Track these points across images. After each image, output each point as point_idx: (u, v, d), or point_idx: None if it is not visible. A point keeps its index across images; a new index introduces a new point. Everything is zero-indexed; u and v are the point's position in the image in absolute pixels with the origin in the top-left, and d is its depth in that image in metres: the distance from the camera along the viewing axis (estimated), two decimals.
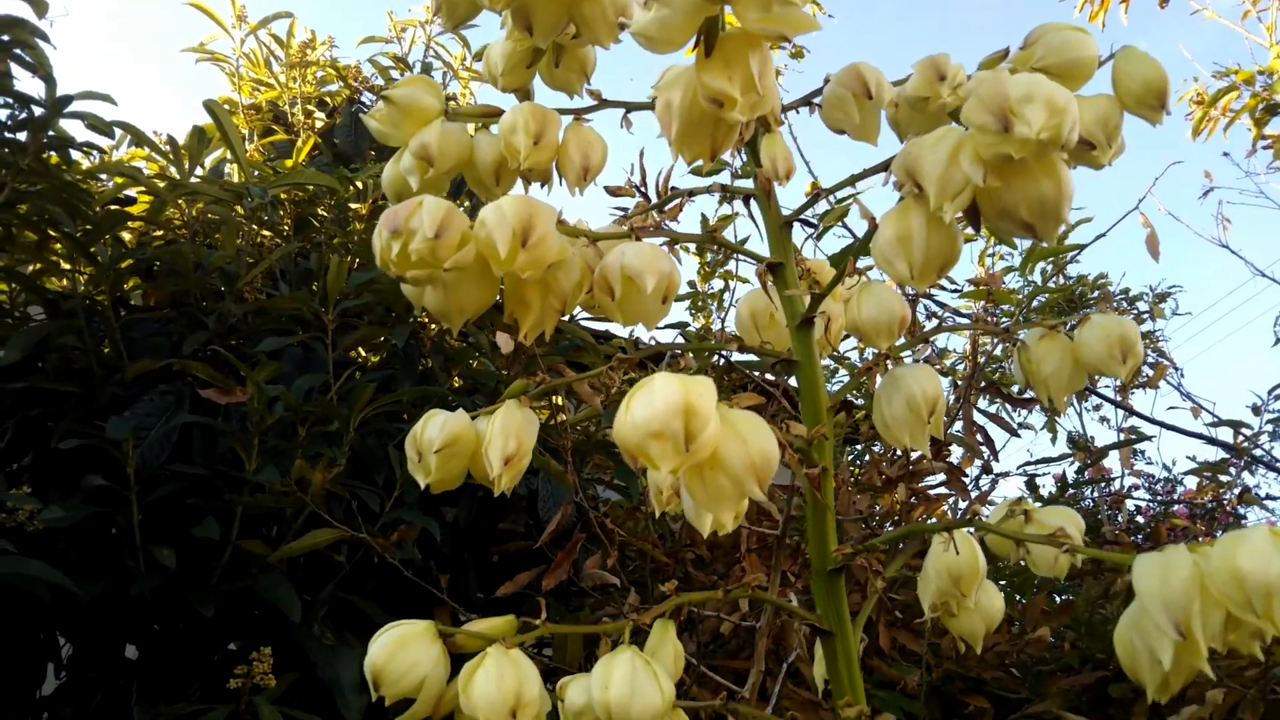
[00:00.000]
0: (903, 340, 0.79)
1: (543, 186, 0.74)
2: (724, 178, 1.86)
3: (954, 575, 0.76)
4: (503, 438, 0.70)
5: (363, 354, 2.51)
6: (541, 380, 0.73)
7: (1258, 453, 2.60)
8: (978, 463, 2.59)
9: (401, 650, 0.63)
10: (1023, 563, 2.32)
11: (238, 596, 1.96)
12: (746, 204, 0.76)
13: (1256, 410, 2.35)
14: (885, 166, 0.70)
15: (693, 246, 3.09)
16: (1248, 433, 2.34)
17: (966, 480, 2.54)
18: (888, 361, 0.74)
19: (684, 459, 0.50)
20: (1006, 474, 2.51)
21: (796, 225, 0.75)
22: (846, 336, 0.83)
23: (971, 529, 0.79)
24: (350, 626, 1.97)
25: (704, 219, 2.71)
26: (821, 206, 0.81)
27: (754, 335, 0.78)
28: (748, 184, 0.77)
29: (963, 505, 2.59)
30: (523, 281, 0.61)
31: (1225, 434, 2.54)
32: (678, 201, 0.78)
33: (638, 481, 2.31)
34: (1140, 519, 3.05)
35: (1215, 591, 0.55)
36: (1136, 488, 3.99)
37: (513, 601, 2.13)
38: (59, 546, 1.86)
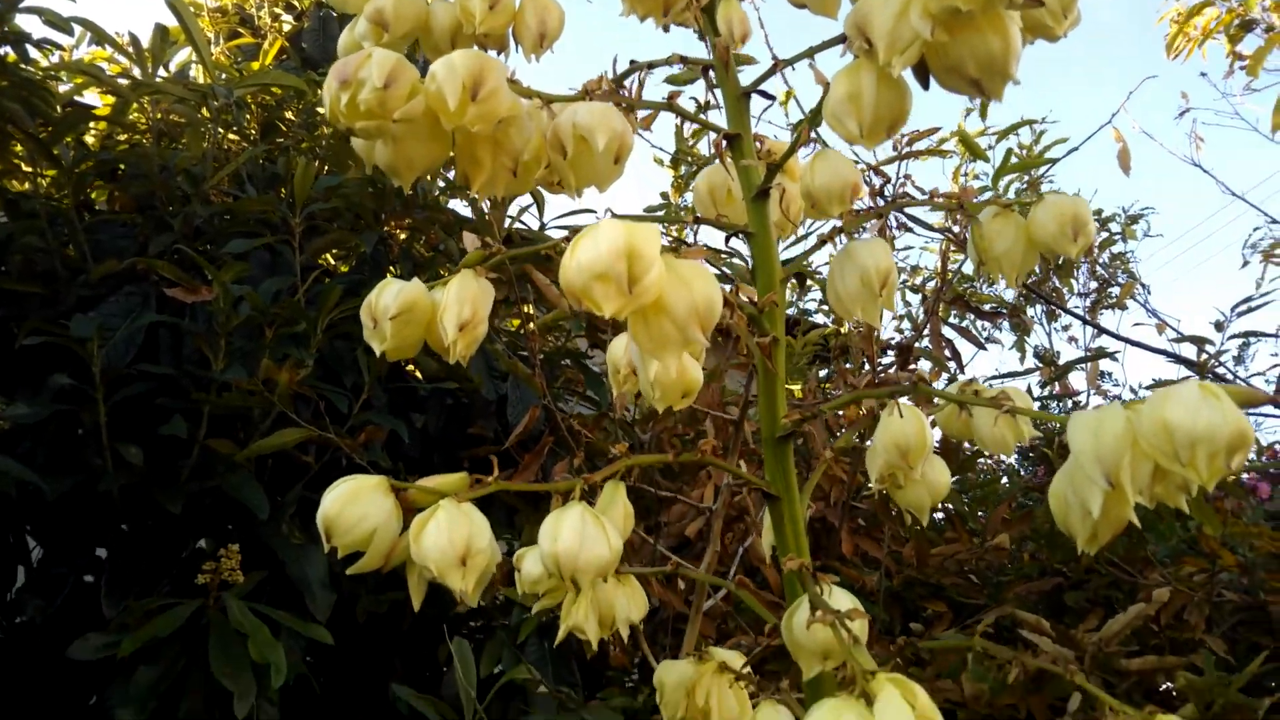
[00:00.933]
0: (867, 223, 0.80)
1: (499, 54, 0.73)
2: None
3: (901, 448, 0.77)
4: (458, 305, 0.71)
5: (332, 261, 2.50)
6: (497, 251, 0.73)
7: (1220, 371, 2.63)
8: (944, 376, 2.62)
9: (354, 502, 0.64)
10: (979, 452, 2.33)
11: (206, 496, 1.97)
12: (705, 75, 0.75)
13: (1219, 327, 2.38)
14: (843, 39, 0.70)
15: (666, 159, 3.07)
16: (1210, 349, 2.37)
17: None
18: (841, 235, 0.75)
19: (627, 301, 0.51)
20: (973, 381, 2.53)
21: (756, 98, 0.75)
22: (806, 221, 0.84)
23: (911, 399, 0.81)
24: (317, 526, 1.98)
25: (678, 130, 2.69)
26: (780, 83, 0.81)
27: (711, 210, 0.79)
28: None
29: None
30: (474, 138, 0.61)
31: (1190, 351, 2.57)
32: (638, 75, 0.78)
33: (606, 391, 2.33)
34: None
35: (1145, 444, 0.57)
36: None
37: (481, 504, 2.16)
38: (25, 446, 1.86)
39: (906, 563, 2.29)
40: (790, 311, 4.52)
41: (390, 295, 0.72)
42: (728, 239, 0.72)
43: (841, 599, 0.65)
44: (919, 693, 0.52)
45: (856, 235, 0.77)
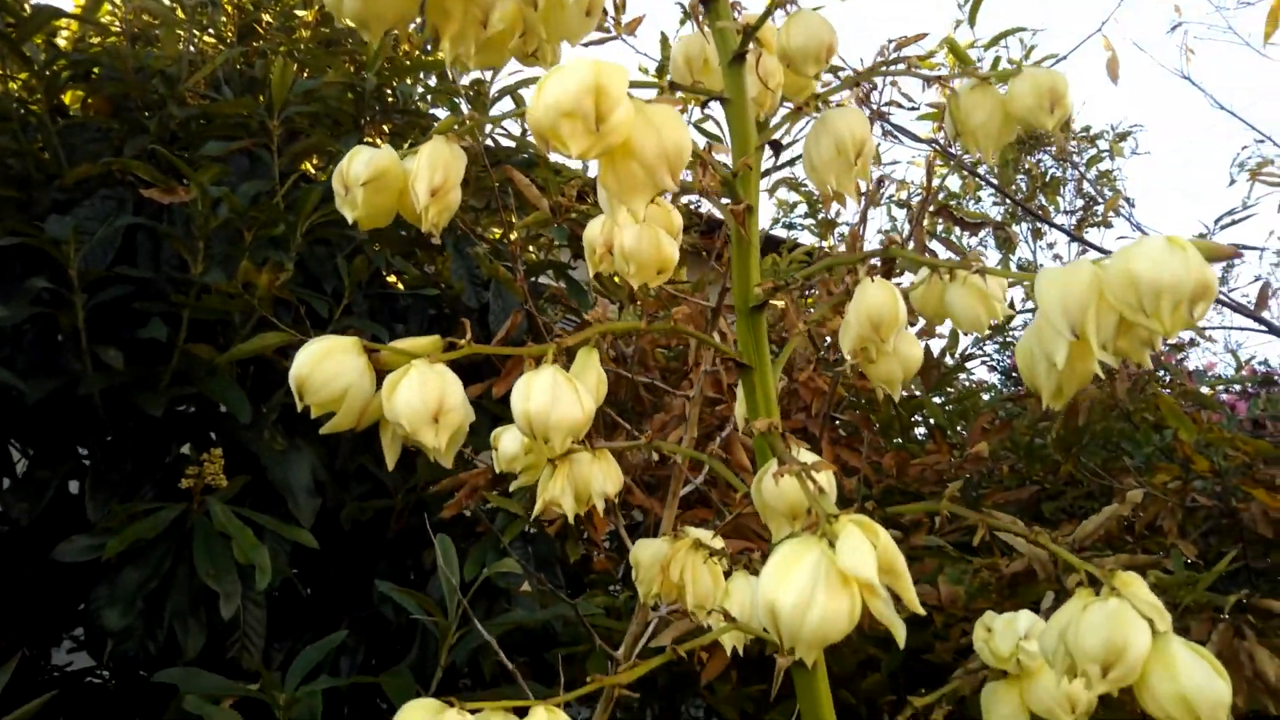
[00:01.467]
0: (845, 94, 0.79)
1: None
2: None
3: (874, 321, 0.77)
4: (429, 170, 0.70)
5: (312, 169, 2.47)
6: (470, 118, 0.72)
7: None
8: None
9: (326, 360, 0.64)
10: (965, 384, 2.35)
11: (188, 402, 1.97)
12: None
13: (1202, 239, 2.37)
14: None
15: (651, 69, 3.03)
16: None
17: None
18: (819, 103, 0.74)
19: (594, 140, 0.50)
20: None
21: None
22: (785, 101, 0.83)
23: (882, 266, 0.80)
24: (301, 432, 1.99)
25: (663, 40, 2.65)
26: None
27: (688, 79, 0.78)
28: None
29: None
30: None
31: None
32: None
33: (589, 300, 2.33)
34: None
35: (1110, 296, 0.57)
36: None
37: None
38: (4, 351, 1.85)
39: (886, 472, 2.32)
40: (779, 233, 4.51)
41: (362, 162, 0.72)
42: (704, 105, 0.71)
43: (809, 459, 0.66)
44: (881, 533, 0.53)
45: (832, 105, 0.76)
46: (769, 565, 0.52)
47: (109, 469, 1.83)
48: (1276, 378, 3.34)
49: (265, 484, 1.94)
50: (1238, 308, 2.47)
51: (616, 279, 2.27)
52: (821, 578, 0.51)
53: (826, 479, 0.62)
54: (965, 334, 2.42)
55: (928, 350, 2.60)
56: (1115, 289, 0.57)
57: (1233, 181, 3.27)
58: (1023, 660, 0.80)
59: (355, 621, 2.00)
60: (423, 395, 0.62)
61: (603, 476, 0.84)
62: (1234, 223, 2.40)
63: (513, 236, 2.21)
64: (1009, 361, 4.12)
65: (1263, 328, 2.49)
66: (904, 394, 2.60)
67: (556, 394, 0.64)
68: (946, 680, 2.12)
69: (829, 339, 2.52)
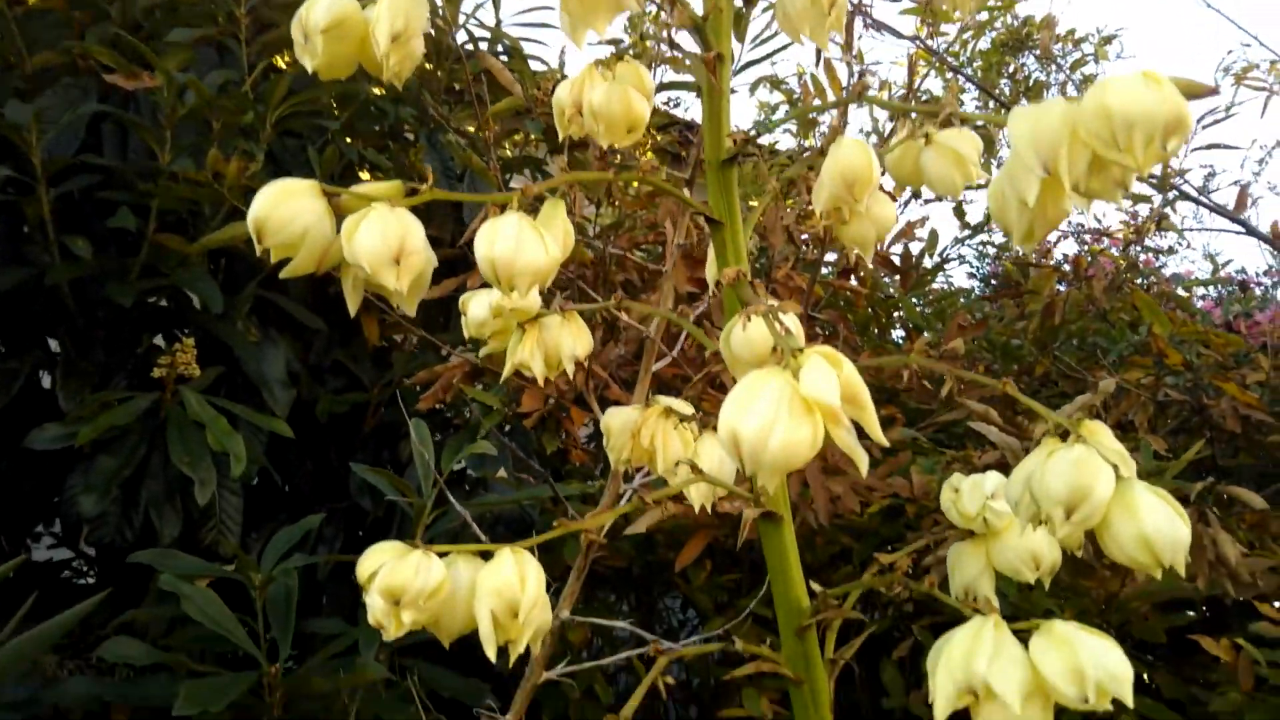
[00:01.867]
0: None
1: None
2: None
3: (848, 179, 0.76)
4: (390, 15, 0.68)
5: (284, 64, 2.41)
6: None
7: (1184, 187, 2.63)
8: (908, 189, 2.61)
9: (285, 202, 0.62)
10: (937, 285, 2.33)
11: (159, 294, 1.95)
12: None
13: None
14: None
15: None
16: (1174, 160, 2.36)
17: (896, 205, 2.56)
18: None
19: None
20: (936, 198, 2.53)
21: None
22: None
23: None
24: (275, 325, 1.98)
25: None
26: None
27: None
28: None
29: (892, 230, 2.62)
30: None
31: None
32: None
33: (567, 197, 2.30)
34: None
35: (1083, 131, 0.56)
36: (1065, 235, 4.06)
37: (440, 305, 2.16)
38: None
39: (862, 370, 2.32)
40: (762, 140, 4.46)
41: (321, 8, 0.69)
42: None
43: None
44: (845, 363, 0.53)
45: None
46: (731, 395, 0.52)
47: (80, 359, 1.82)
48: (1251, 283, 3.36)
49: (240, 377, 1.94)
50: (1217, 209, 2.47)
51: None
52: (784, 404, 0.51)
53: (793, 322, 0.61)
54: (940, 198, 2.41)
55: (906, 251, 2.59)
56: (1088, 123, 0.56)
57: (1218, 87, 3.22)
58: (989, 519, 0.81)
59: (333, 513, 2.01)
60: (384, 236, 0.61)
61: (572, 340, 0.83)
62: (1215, 122, 2.38)
63: (486, 133, 2.18)
64: (988, 269, 4.13)
65: (1240, 229, 2.49)
66: (881, 295, 2.60)
67: (521, 239, 0.63)
68: (918, 571, 2.15)
69: (806, 237, 2.51)
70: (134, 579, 1.80)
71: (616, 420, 0.91)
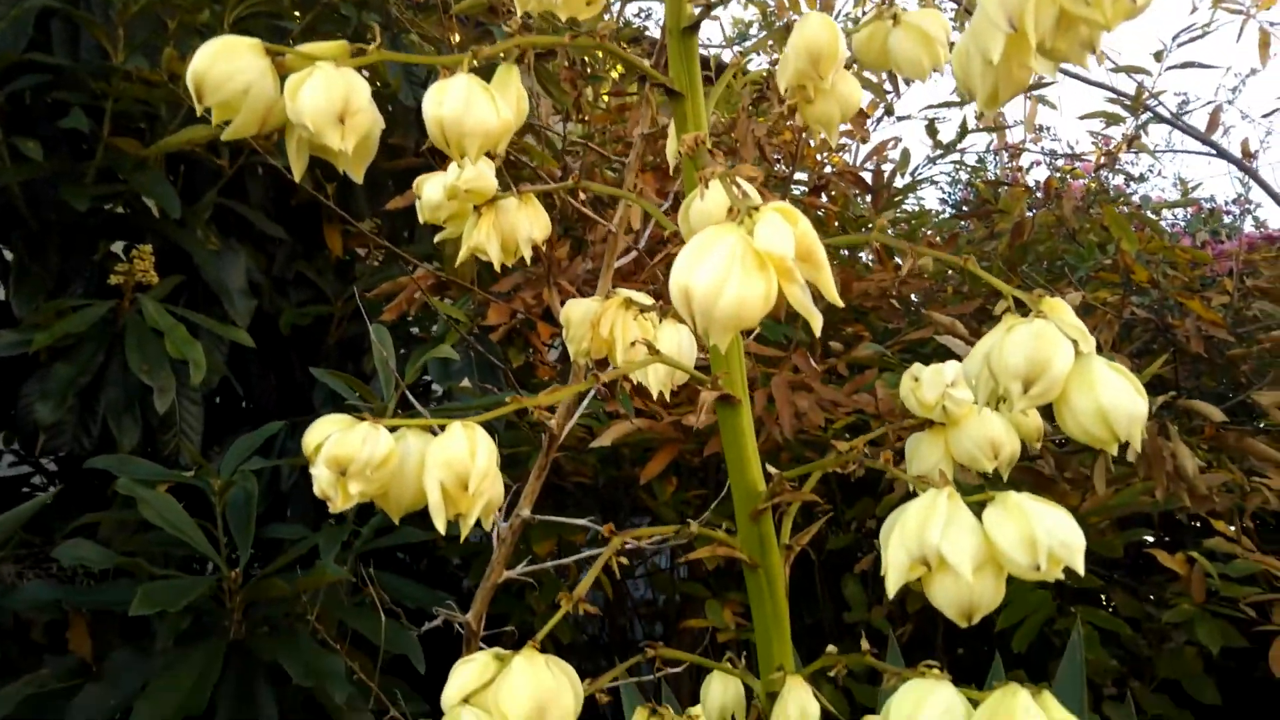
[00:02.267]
0: None
1: None
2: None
3: (813, 56, 0.74)
4: None
5: None
6: None
7: (1159, 109, 2.62)
8: (881, 107, 2.58)
9: (226, 58, 0.60)
10: (909, 214, 2.31)
11: (117, 201, 1.91)
12: None
13: (1158, 57, 2.34)
14: None
15: None
16: (1148, 81, 2.35)
17: (868, 123, 2.53)
18: None
19: None
20: (908, 116, 2.50)
21: None
22: None
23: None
24: (235, 234, 1.94)
25: None
26: None
27: None
28: None
29: (864, 149, 2.60)
30: None
31: (1129, 87, 2.54)
32: None
33: (533, 100, 2.25)
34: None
35: None
36: (1037, 163, 4.05)
37: (404, 217, 2.12)
38: None
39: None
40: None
41: None
42: None
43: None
44: (802, 220, 0.51)
45: None
46: (683, 251, 0.50)
47: (34, 265, 1.78)
48: (1220, 211, 3.37)
49: (199, 286, 1.90)
50: (1188, 130, 2.46)
51: (561, 89, 2.19)
52: (737, 259, 0.49)
53: (751, 189, 0.60)
54: (908, 80, 2.37)
55: (878, 170, 2.57)
56: None
57: (1194, 8, 3.20)
58: (948, 408, 0.81)
59: (296, 426, 1.99)
60: (328, 94, 0.59)
61: (529, 223, 0.81)
62: (1191, 40, 2.36)
63: (454, 38, 2.13)
64: (960, 194, 4.12)
65: (1211, 151, 2.49)
66: (852, 214, 2.58)
67: (471, 99, 0.61)
68: (882, 489, 2.17)
69: (779, 156, 2.48)
70: (94, 490, 1.79)
71: (576, 311, 0.89)
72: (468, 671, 0.67)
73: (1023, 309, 0.64)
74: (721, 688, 0.81)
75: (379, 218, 2.09)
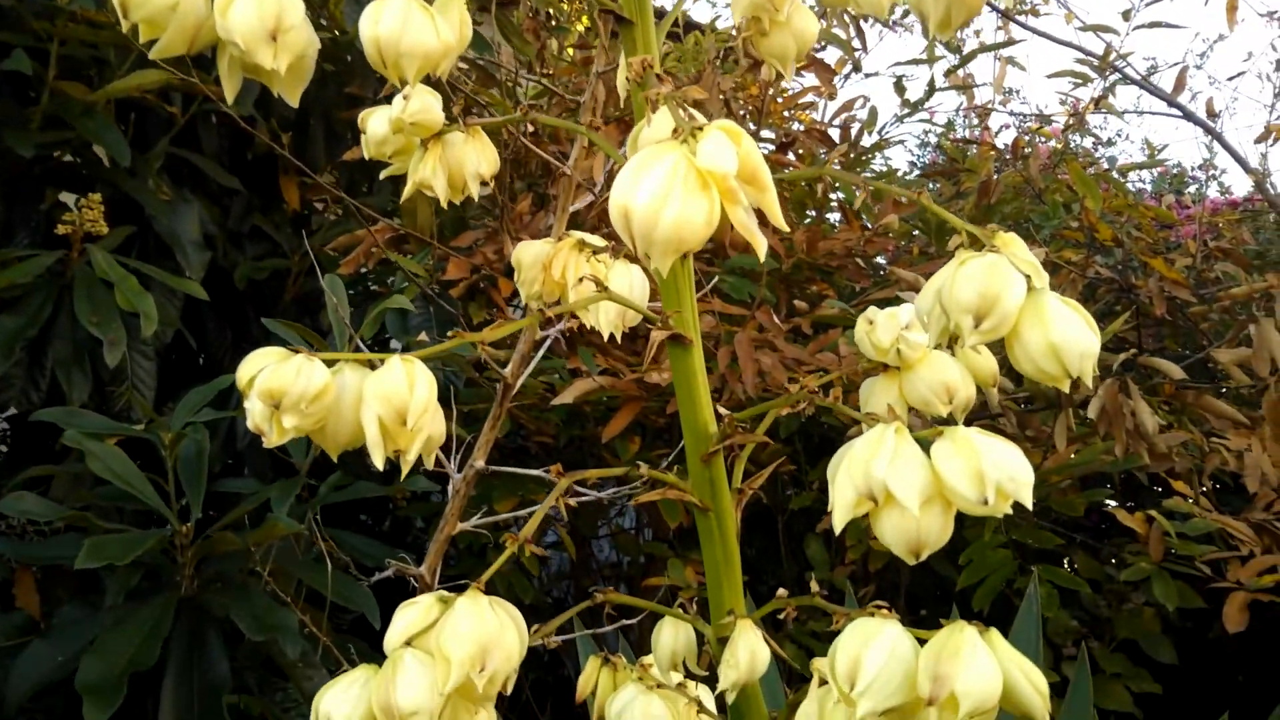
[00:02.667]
0: None
1: None
2: None
3: None
4: None
5: None
6: None
7: (1126, 70, 2.61)
8: (849, 65, 2.56)
9: None
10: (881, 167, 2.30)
11: (63, 148, 1.86)
12: None
13: (1126, 16, 2.33)
14: None
15: None
16: (1116, 41, 2.34)
17: (836, 80, 2.51)
18: None
19: None
20: (876, 74, 2.48)
21: None
22: None
23: None
24: (189, 184, 1.90)
25: None
26: None
27: None
28: None
29: (832, 107, 2.58)
30: None
31: (1097, 46, 2.53)
32: None
33: (493, 50, 2.22)
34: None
35: None
36: (1006, 127, 4.05)
37: (362, 169, 2.08)
38: None
39: (797, 248, 2.30)
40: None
41: None
42: None
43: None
44: (745, 139, 0.50)
45: None
46: (623, 171, 0.49)
47: None
48: (1186, 175, 3.38)
49: (151, 237, 1.86)
50: (1155, 91, 2.45)
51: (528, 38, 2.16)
52: (679, 178, 0.47)
53: (700, 115, 0.58)
54: (867, 20, 2.34)
55: (845, 128, 2.55)
56: None
57: None
58: (903, 351, 0.79)
59: None
60: (259, 11, 0.56)
61: (477, 157, 0.79)
62: (1157, 0, 2.35)
63: None
64: (929, 157, 4.11)
65: (1178, 113, 2.49)
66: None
67: (408, 18, 0.58)
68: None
69: (745, 112, 2.46)
70: (44, 446, 1.75)
71: (528, 253, 0.87)
72: (411, 614, 0.66)
73: (978, 245, 0.63)
74: (673, 633, 0.80)
75: (336, 170, 2.05)
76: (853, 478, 0.57)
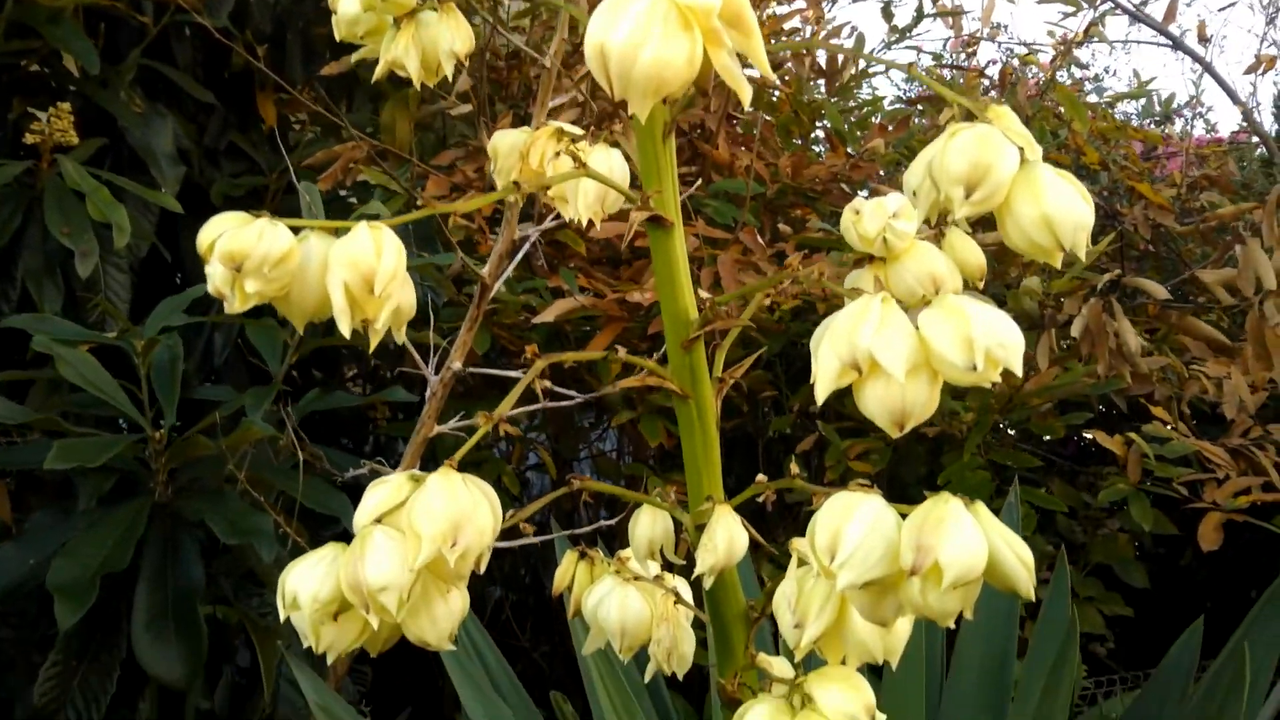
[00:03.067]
0: None
1: None
2: None
3: None
4: None
5: None
6: None
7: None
8: None
9: None
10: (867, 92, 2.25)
11: (30, 57, 1.81)
12: None
13: None
14: None
15: None
16: None
17: (823, 3, 2.47)
18: None
19: None
20: None
21: None
22: None
23: None
24: (162, 98, 1.86)
25: None
26: None
27: None
28: None
29: (822, 33, 2.54)
30: None
31: None
32: None
33: None
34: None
35: None
36: (994, 62, 3.99)
37: (340, 81, 2.04)
38: None
39: (782, 174, 2.27)
40: None
41: None
42: None
43: None
44: None
45: None
46: (600, 8, 0.46)
47: None
48: (1174, 111, 3.35)
49: (125, 150, 1.82)
50: (1145, 19, 2.42)
51: None
52: (659, 16, 0.45)
53: None
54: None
55: (832, 55, 2.51)
56: None
57: None
58: (889, 240, 0.77)
59: None
60: None
61: (451, 35, 0.76)
62: None
63: None
64: (915, 92, 4.06)
65: (1168, 42, 2.46)
66: (805, 99, 2.52)
67: None
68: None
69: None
70: (16, 359, 1.72)
71: (504, 141, 0.85)
72: (382, 492, 0.65)
73: (970, 118, 0.61)
74: (650, 521, 0.79)
75: (314, 86, 2.01)
76: (836, 347, 0.56)
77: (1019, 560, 0.55)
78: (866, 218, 0.79)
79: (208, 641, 1.36)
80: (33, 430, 1.58)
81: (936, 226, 0.79)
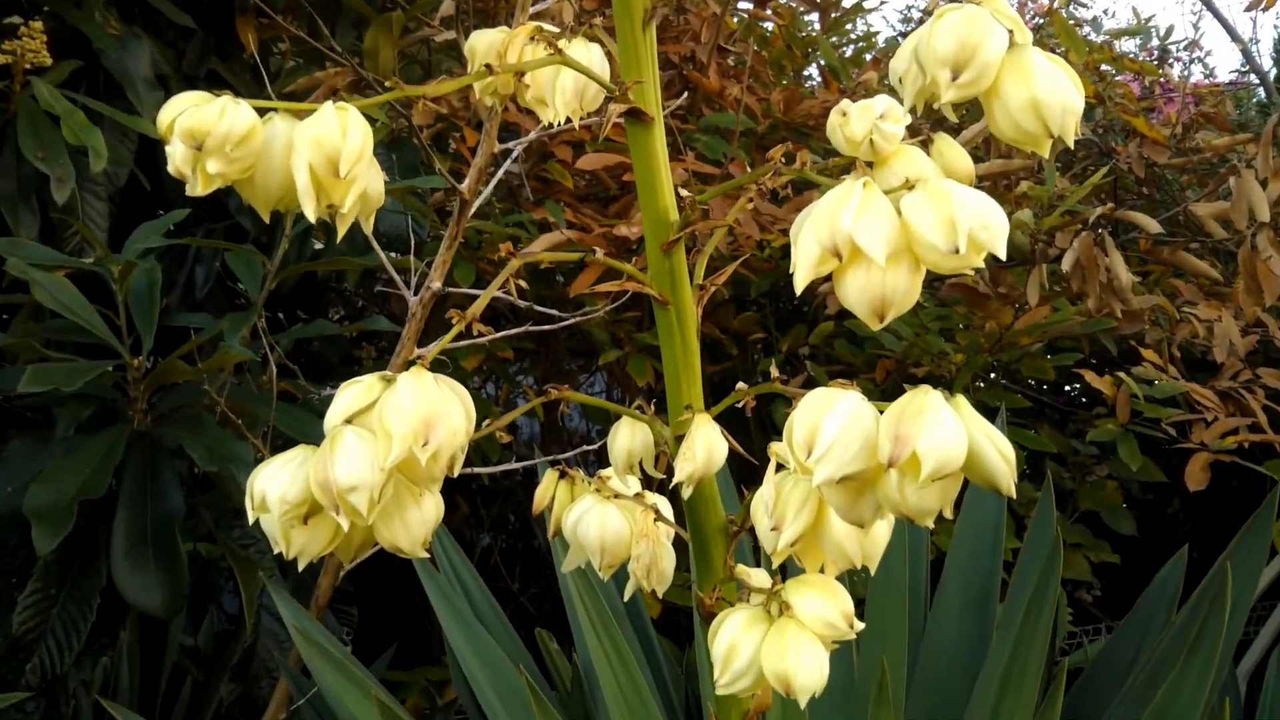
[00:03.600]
0: None
1: None
2: None
3: None
4: None
5: None
6: None
7: None
8: None
9: None
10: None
11: None
12: None
13: None
14: None
15: None
16: None
17: None
18: None
19: None
20: None
21: None
22: None
23: None
24: (139, 22, 1.81)
25: None
26: None
27: None
28: None
29: None
30: None
31: None
32: None
33: None
34: None
35: None
36: None
37: (323, 9, 1.99)
38: None
39: (774, 109, 2.24)
40: None
41: None
42: None
43: None
44: None
45: None
46: None
47: None
48: (1172, 57, 3.32)
49: (101, 75, 1.78)
50: None
51: None
52: None
53: None
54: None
55: None
56: None
57: None
58: (876, 142, 0.75)
59: (211, 234, 1.90)
60: None
61: None
62: None
63: None
64: (907, 30, 4.01)
65: None
66: (799, 33, 2.49)
67: None
68: (811, 316, 2.13)
69: None
70: None
71: (481, 41, 0.82)
72: (352, 392, 0.63)
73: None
74: (629, 433, 0.77)
75: (296, 9, 1.96)
76: (816, 232, 0.54)
77: (1000, 454, 0.53)
78: (854, 119, 0.77)
79: (189, 574, 1.34)
80: (16, 360, 1.56)
81: (924, 133, 0.77)
